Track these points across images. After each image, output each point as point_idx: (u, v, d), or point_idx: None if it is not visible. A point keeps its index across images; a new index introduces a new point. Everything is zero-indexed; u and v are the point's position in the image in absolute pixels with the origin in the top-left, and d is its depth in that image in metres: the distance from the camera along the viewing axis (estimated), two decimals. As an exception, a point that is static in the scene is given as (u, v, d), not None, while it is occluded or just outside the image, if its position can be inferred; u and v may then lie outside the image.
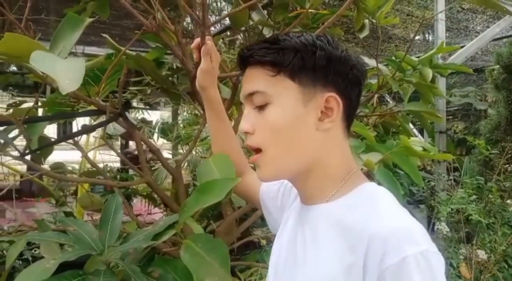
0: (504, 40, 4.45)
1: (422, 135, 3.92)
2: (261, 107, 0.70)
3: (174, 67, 2.05)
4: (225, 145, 1.02)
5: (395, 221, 0.61)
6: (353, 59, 0.71)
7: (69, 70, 0.78)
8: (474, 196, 2.62)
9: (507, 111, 3.86)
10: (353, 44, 4.16)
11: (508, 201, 2.87)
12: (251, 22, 1.92)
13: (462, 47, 3.68)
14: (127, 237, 1.18)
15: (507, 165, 3.11)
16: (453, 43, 4.51)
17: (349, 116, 0.72)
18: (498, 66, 4.08)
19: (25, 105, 1.65)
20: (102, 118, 1.72)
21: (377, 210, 0.63)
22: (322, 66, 0.68)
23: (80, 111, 1.67)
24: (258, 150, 0.71)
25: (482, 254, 2.48)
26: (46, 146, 1.54)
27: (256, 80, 0.70)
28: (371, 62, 2.06)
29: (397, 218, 0.62)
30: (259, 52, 0.69)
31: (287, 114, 0.68)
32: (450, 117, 6.36)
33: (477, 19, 4.43)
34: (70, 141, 1.66)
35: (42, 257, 1.28)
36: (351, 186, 0.69)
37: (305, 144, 0.68)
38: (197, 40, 0.99)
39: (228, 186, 0.90)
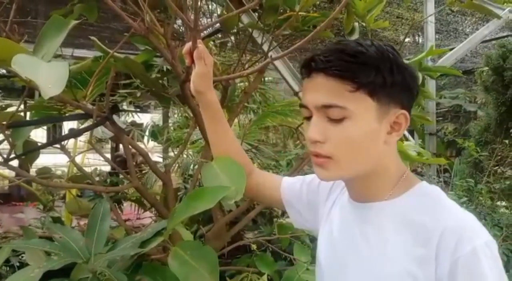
0: (493, 42, 4.50)
1: (413, 136, 3.93)
2: (336, 120, 0.70)
3: (164, 69, 2.02)
4: (227, 147, 1.00)
5: (462, 217, 0.69)
6: (414, 71, 0.73)
7: (52, 74, 0.76)
8: (465, 198, 2.62)
9: (496, 113, 3.89)
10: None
11: (498, 203, 2.88)
12: (241, 25, 1.90)
13: (451, 49, 3.70)
14: (115, 244, 1.15)
15: (496, 167, 3.13)
16: (443, 45, 4.54)
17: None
18: (487, 68, 4.12)
19: (11, 109, 1.61)
20: (90, 122, 1.69)
21: (444, 207, 0.71)
22: (398, 83, 0.70)
23: (67, 115, 1.64)
24: (325, 156, 0.73)
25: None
26: (31, 151, 1.50)
27: (333, 93, 0.69)
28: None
29: (462, 214, 0.70)
30: (338, 64, 0.69)
31: (364, 130, 0.70)
32: (440, 118, 6.41)
33: (466, 22, 4.48)
34: (57, 145, 1.62)
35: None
36: (407, 186, 0.75)
37: (373, 154, 0.73)
38: (188, 45, 0.96)
39: (220, 194, 0.88)
